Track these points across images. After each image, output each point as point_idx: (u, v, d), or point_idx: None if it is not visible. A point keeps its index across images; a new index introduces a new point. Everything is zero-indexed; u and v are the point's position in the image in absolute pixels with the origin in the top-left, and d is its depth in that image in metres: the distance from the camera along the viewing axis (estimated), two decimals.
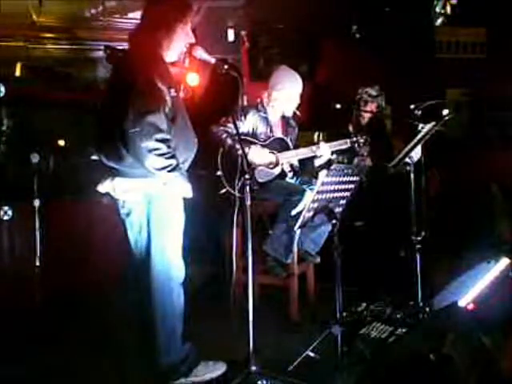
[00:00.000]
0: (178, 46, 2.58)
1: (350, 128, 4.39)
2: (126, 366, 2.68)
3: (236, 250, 2.88)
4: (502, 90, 5.27)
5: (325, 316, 2.72)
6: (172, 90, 2.44)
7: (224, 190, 3.39)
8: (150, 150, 2.34)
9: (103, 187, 2.52)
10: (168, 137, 2.39)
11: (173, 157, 2.40)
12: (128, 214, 2.55)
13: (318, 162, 3.69)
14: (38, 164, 3.60)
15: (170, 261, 2.55)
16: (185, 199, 2.58)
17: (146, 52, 2.47)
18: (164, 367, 2.55)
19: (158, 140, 2.34)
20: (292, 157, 3.67)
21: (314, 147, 3.65)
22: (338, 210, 2.67)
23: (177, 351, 2.57)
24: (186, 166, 2.57)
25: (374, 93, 4.38)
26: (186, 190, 2.52)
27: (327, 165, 3.69)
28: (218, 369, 2.70)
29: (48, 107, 4.10)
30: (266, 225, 3.63)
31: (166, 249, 2.54)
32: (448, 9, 5.43)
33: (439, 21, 5.54)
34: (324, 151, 3.62)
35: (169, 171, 2.39)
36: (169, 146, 2.38)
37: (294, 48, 5.41)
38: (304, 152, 3.66)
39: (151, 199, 2.49)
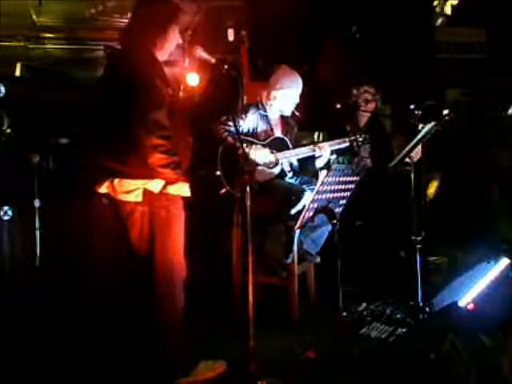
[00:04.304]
0: (169, 46, 2.59)
1: (349, 128, 4.38)
2: (126, 366, 2.68)
3: (236, 250, 2.88)
4: (502, 90, 5.27)
5: (325, 316, 2.72)
6: (169, 89, 2.45)
7: (224, 190, 3.39)
8: (155, 147, 2.35)
9: (102, 188, 2.52)
10: (170, 134, 2.40)
11: (176, 154, 2.42)
12: (129, 215, 2.54)
13: (318, 164, 3.69)
14: (38, 164, 3.60)
15: (172, 261, 2.55)
16: (185, 199, 2.59)
17: (143, 52, 2.48)
18: (165, 367, 2.55)
19: (162, 137, 2.35)
20: (291, 156, 3.67)
21: (313, 146, 3.65)
22: (337, 210, 2.67)
23: (177, 351, 2.57)
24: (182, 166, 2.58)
25: (372, 92, 4.38)
26: (185, 189, 2.53)
27: (327, 165, 3.70)
28: (218, 368, 2.70)
29: (48, 107, 4.09)
30: (266, 225, 3.63)
31: (168, 248, 2.54)
32: (448, 9, 5.43)
33: (439, 21, 5.55)
34: (324, 151, 3.62)
35: (172, 168, 2.41)
36: (171, 144, 2.40)
37: (294, 48, 5.40)
38: (303, 151, 3.67)
39: (153, 199, 2.49)
